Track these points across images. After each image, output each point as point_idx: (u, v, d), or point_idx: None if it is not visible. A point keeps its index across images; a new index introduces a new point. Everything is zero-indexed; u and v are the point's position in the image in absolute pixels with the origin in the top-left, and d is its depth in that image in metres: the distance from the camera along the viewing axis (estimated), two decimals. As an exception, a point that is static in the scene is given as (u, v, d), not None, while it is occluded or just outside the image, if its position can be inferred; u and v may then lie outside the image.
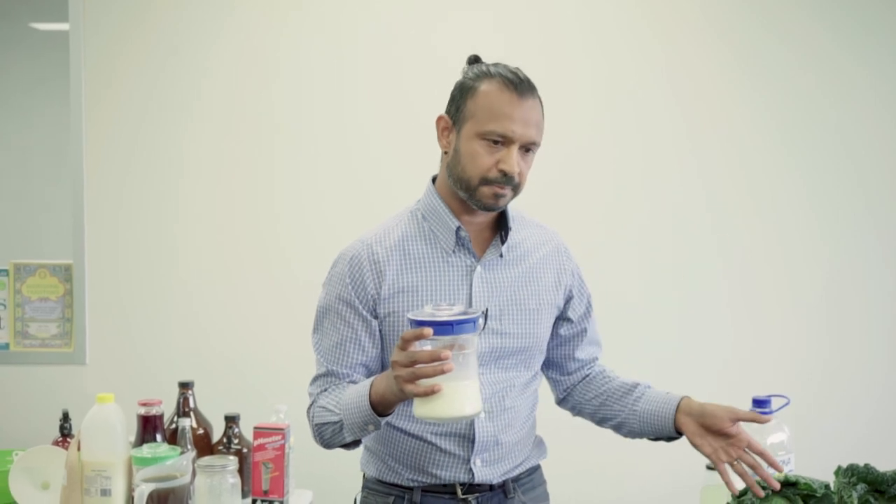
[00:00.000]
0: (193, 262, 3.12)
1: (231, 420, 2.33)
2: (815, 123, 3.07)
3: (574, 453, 2.91)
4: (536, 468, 1.99)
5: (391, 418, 1.80)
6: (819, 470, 1.81)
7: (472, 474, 1.83)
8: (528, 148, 1.75)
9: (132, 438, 2.13)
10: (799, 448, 2.01)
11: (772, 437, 1.95)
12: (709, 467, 1.93)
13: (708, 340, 3.09)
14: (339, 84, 3.08)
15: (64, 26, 3.10)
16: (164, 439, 2.13)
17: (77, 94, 3.09)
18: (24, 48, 3.22)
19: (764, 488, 1.66)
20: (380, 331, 1.81)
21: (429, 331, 1.51)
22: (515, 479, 1.90)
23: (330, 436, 1.78)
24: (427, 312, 1.57)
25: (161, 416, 2.15)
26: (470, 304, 1.78)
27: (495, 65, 1.78)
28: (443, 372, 1.51)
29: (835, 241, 3.08)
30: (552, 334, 1.96)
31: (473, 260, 1.82)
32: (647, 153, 3.08)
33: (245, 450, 2.29)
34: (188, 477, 1.92)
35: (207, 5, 3.10)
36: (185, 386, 2.33)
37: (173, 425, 2.25)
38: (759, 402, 1.96)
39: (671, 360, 3.07)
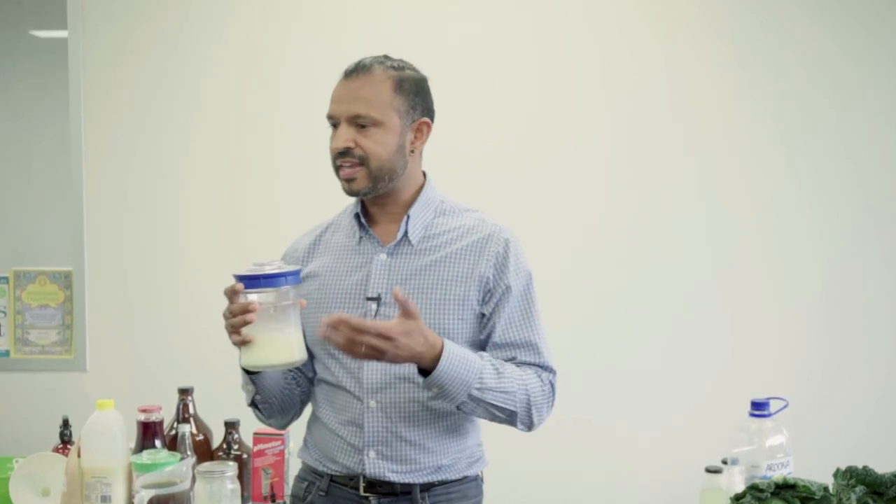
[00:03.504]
0: (193, 268, 3.12)
1: (231, 426, 2.33)
2: (815, 124, 3.07)
3: (575, 456, 2.91)
4: (463, 480, 1.87)
5: (314, 406, 1.93)
6: (818, 472, 1.80)
7: (364, 466, 1.81)
8: (361, 123, 1.78)
9: (132, 445, 2.13)
10: (798, 449, 2.00)
11: (771, 439, 1.94)
12: (708, 469, 1.93)
13: (708, 341, 3.09)
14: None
15: (63, 33, 3.11)
16: (164, 445, 2.13)
17: (76, 101, 3.10)
18: (23, 55, 3.23)
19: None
20: None
21: (240, 286, 1.66)
22: (427, 488, 1.82)
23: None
24: (249, 269, 1.69)
25: (161, 423, 2.15)
26: (367, 290, 1.82)
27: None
28: (245, 323, 1.64)
29: (835, 241, 3.08)
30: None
31: (379, 247, 1.85)
32: (647, 153, 3.08)
33: (245, 455, 2.29)
34: (188, 483, 1.92)
35: (205, 12, 3.10)
36: (184, 392, 2.33)
37: (173, 431, 2.24)
38: (758, 405, 1.95)
39: (671, 361, 3.08)
